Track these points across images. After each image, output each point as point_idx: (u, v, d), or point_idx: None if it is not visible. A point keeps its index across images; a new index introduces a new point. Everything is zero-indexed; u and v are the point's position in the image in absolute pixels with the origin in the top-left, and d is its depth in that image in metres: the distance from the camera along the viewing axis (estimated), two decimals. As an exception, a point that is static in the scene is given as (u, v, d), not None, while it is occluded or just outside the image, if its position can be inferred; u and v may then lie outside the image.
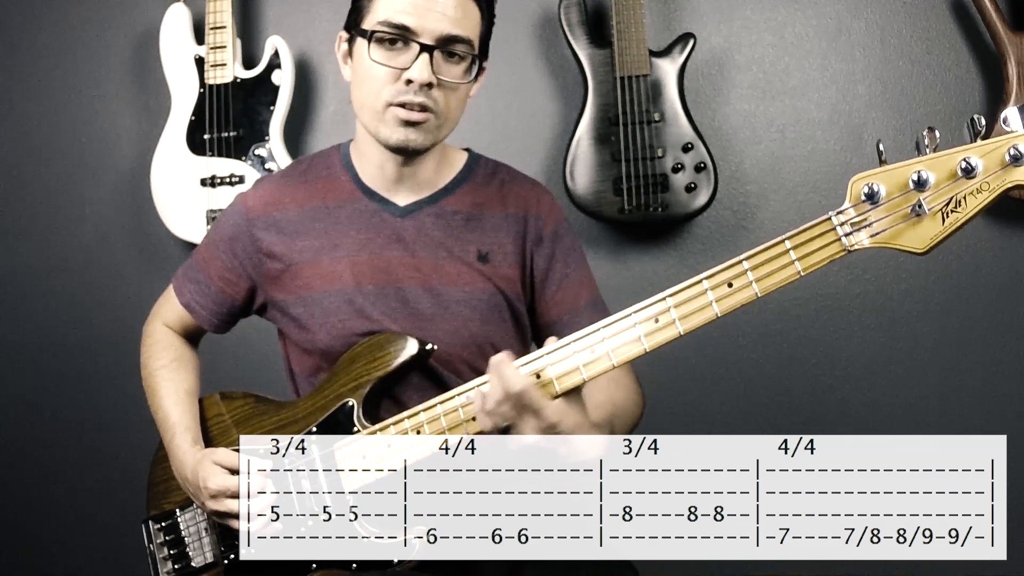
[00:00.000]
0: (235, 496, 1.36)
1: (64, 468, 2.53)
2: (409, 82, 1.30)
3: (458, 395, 1.27)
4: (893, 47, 2.28)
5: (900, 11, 2.27)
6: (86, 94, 2.49)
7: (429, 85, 1.31)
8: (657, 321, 1.17)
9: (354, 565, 1.32)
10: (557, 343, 1.21)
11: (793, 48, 2.30)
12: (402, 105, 1.32)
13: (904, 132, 2.26)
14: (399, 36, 1.30)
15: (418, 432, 1.29)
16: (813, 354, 2.30)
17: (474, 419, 1.25)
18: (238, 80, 2.30)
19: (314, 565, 1.35)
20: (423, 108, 1.32)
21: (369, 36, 1.31)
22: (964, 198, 1.05)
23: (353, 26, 1.37)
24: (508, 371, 1.18)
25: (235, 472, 1.37)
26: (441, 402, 1.28)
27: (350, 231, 1.42)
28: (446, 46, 1.31)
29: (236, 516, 1.36)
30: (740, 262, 1.14)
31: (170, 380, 1.53)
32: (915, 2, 2.27)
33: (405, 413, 1.30)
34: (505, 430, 1.22)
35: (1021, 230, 2.23)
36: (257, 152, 2.28)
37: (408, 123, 1.33)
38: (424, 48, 1.30)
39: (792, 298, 2.29)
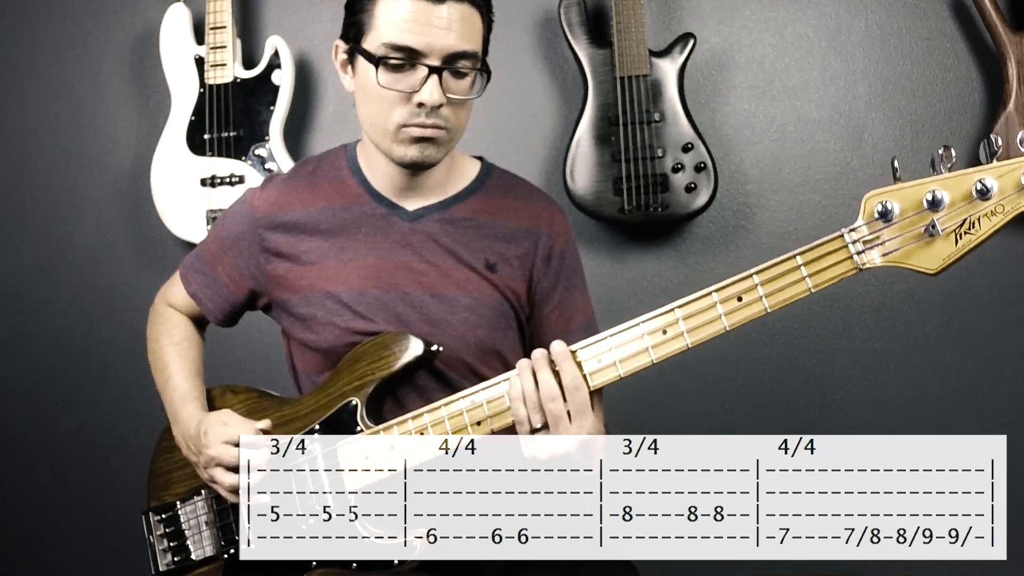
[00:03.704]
0: (233, 467, 1.36)
1: (64, 466, 2.53)
2: (420, 104, 1.30)
3: (463, 398, 1.27)
4: (893, 47, 2.28)
5: (900, 11, 2.27)
6: (86, 94, 2.49)
7: (440, 105, 1.31)
8: (665, 332, 1.18)
9: (354, 565, 1.32)
10: None
11: (793, 48, 2.30)
12: (414, 125, 1.32)
13: (904, 132, 2.27)
14: (405, 60, 1.30)
15: (421, 434, 1.29)
16: (813, 354, 2.30)
17: (479, 423, 1.25)
18: (238, 80, 2.29)
19: (314, 563, 1.35)
20: (435, 125, 1.33)
21: (376, 62, 1.30)
22: (978, 220, 1.05)
23: (353, 40, 1.35)
24: (574, 366, 1.19)
25: (237, 445, 1.36)
26: (445, 404, 1.28)
27: (357, 234, 1.42)
28: (453, 64, 1.31)
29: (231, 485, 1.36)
30: (751, 276, 1.14)
31: (182, 357, 1.54)
32: (915, 2, 2.27)
33: (410, 415, 1.30)
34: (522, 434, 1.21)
35: (1022, 230, 2.23)
36: (257, 152, 2.28)
37: (421, 139, 1.33)
38: (432, 70, 1.29)
39: (792, 298, 2.29)
